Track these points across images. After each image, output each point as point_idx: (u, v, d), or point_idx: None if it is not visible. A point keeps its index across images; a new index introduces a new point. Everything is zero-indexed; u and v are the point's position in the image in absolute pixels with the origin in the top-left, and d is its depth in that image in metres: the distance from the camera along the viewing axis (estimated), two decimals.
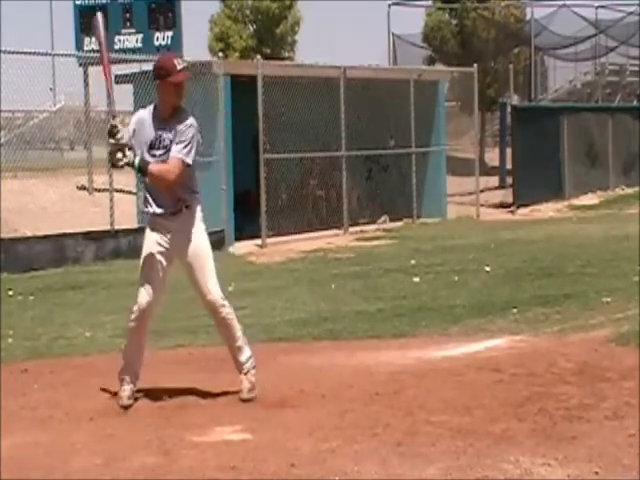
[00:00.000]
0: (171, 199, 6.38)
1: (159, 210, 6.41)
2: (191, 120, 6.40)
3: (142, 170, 6.27)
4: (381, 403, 6.33)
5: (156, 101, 6.46)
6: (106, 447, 5.58)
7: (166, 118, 6.36)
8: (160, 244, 6.42)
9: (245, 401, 6.42)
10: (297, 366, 7.50)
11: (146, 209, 6.49)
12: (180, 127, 6.34)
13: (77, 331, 9.22)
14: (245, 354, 6.57)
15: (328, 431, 5.71)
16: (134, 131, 6.38)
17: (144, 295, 6.41)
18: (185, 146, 6.31)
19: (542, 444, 5.38)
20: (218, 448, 5.49)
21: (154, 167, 6.28)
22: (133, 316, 6.47)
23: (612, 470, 4.99)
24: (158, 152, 6.35)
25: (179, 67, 6.34)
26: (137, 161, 6.25)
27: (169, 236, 6.42)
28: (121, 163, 6.23)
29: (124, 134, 6.28)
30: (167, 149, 6.33)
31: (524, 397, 6.37)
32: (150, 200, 6.43)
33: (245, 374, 6.53)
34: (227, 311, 6.50)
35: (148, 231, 6.52)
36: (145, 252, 6.47)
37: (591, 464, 5.06)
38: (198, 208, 6.50)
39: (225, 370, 6.76)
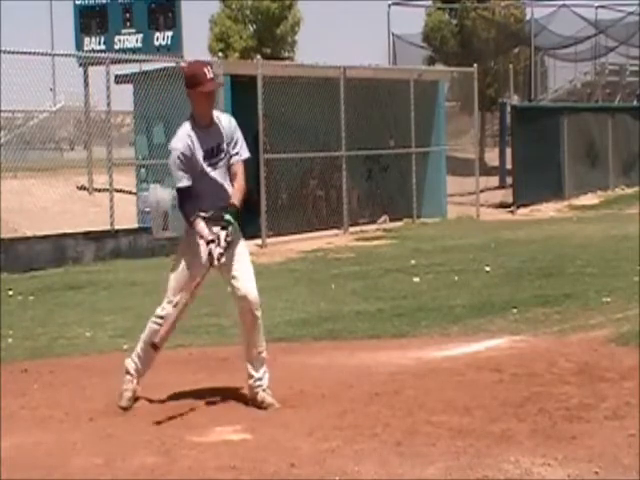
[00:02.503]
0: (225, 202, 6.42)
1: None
2: (229, 117, 6.45)
3: (235, 213, 6.35)
4: (381, 403, 6.33)
5: (191, 111, 6.37)
6: (106, 447, 5.58)
7: (209, 125, 6.34)
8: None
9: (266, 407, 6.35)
10: (297, 366, 7.50)
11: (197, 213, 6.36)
12: (226, 128, 6.37)
13: (77, 331, 9.22)
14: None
15: (328, 431, 5.71)
16: (189, 148, 6.26)
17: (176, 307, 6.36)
18: (242, 144, 6.45)
19: (542, 444, 5.38)
20: (218, 448, 5.49)
21: (236, 198, 6.39)
22: (159, 324, 6.36)
23: (612, 470, 4.99)
24: (216, 159, 6.36)
25: (209, 76, 6.27)
26: (228, 217, 6.30)
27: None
28: (221, 249, 6.22)
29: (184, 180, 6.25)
30: (223, 151, 6.37)
31: (524, 397, 6.37)
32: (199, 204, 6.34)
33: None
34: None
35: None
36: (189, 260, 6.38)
37: (591, 464, 5.05)
38: None
39: (225, 370, 6.77)
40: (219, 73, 16.01)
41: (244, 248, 6.55)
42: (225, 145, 6.37)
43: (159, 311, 6.40)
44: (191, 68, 6.46)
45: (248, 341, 6.41)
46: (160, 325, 6.33)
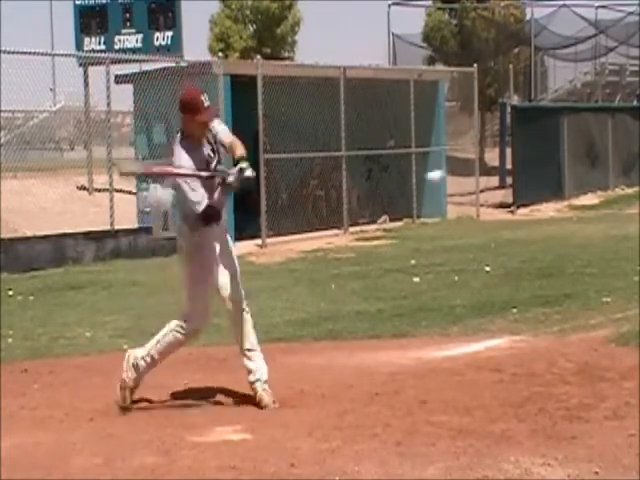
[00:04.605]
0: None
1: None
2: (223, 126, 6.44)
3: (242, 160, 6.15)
4: (381, 403, 6.33)
5: (183, 130, 6.35)
6: (106, 447, 5.58)
7: (201, 140, 6.33)
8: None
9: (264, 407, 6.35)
10: (297, 366, 7.50)
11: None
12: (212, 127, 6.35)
13: (77, 331, 9.23)
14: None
15: (328, 431, 5.71)
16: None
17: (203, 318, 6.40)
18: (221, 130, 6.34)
19: (542, 444, 5.38)
20: (218, 448, 5.49)
21: (238, 148, 6.21)
22: (184, 335, 6.40)
23: (612, 470, 4.99)
24: (214, 163, 6.32)
25: (206, 104, 6.30)
26: (242, 168, 6.13)
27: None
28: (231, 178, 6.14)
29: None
30: (216, 152, 6.33)
31: (524, 397, 6.37)
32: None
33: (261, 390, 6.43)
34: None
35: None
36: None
37: (591, 464, 5.05)
38: None
39: (225, 370, 6.77)
40: (219, 73, 16.07)
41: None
42: (215, 148, 6.33)
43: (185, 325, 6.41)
44: (189, 94, 6.46)
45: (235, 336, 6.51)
46: (181, 335, 6.37)
